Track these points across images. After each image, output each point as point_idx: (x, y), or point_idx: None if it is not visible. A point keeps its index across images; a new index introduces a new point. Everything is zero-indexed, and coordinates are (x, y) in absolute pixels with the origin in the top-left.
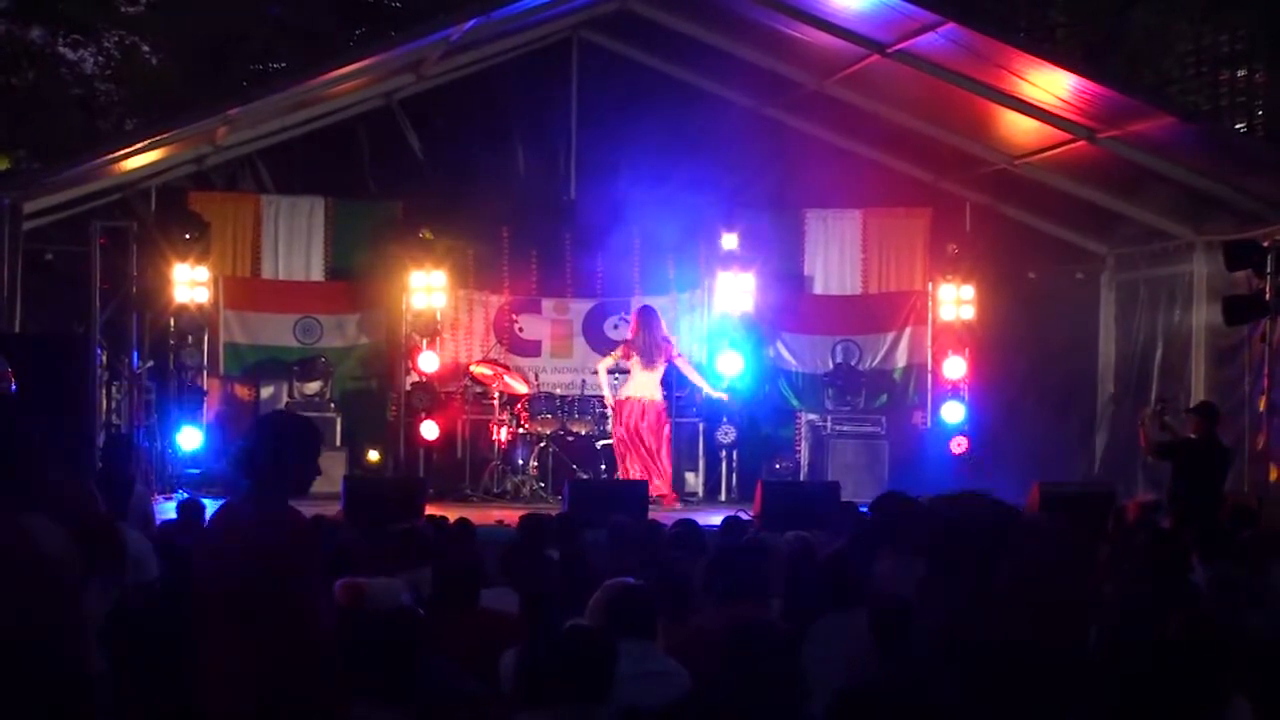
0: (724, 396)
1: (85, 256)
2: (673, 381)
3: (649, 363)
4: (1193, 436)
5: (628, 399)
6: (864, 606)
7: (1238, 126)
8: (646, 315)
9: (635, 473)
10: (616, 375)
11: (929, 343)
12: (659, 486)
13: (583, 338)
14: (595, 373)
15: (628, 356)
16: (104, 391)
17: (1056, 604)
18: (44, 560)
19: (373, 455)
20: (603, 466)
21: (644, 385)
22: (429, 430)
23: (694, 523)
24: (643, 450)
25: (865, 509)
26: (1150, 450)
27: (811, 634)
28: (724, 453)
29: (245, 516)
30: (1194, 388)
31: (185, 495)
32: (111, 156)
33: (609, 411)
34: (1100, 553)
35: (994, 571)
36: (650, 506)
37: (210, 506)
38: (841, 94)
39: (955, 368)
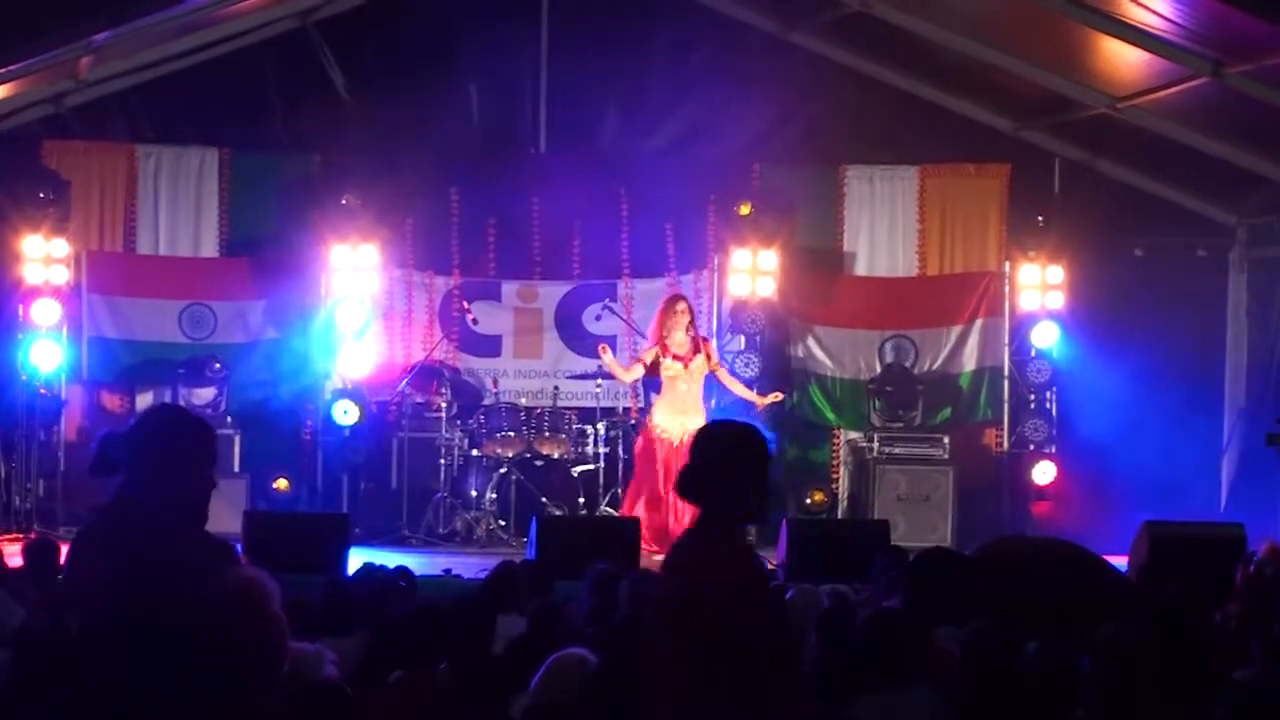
0: (778, 397)
1: None
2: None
3: (689, 368)
4: None
5: (661, 429)
6: (923, 683)
7: None
8: (676, 304)
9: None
10: (601, 382)
11: (1006, 339)
12: None
13: (555, 332)
14: (590, 376)
15: (669, 355)
16: None
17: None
18: None
19: (281, 483)
20: (580, 499)
21: (686, 406)
22: (355, 452)
23: None
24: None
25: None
26: None
27: (854, 717)
28: None
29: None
30: None
31: (35, 535)
32: None
33: (629, 423)
34: (1226, 614)
35: (1071, 649)
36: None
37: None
38: (892, 16)
39: (1040, 371)
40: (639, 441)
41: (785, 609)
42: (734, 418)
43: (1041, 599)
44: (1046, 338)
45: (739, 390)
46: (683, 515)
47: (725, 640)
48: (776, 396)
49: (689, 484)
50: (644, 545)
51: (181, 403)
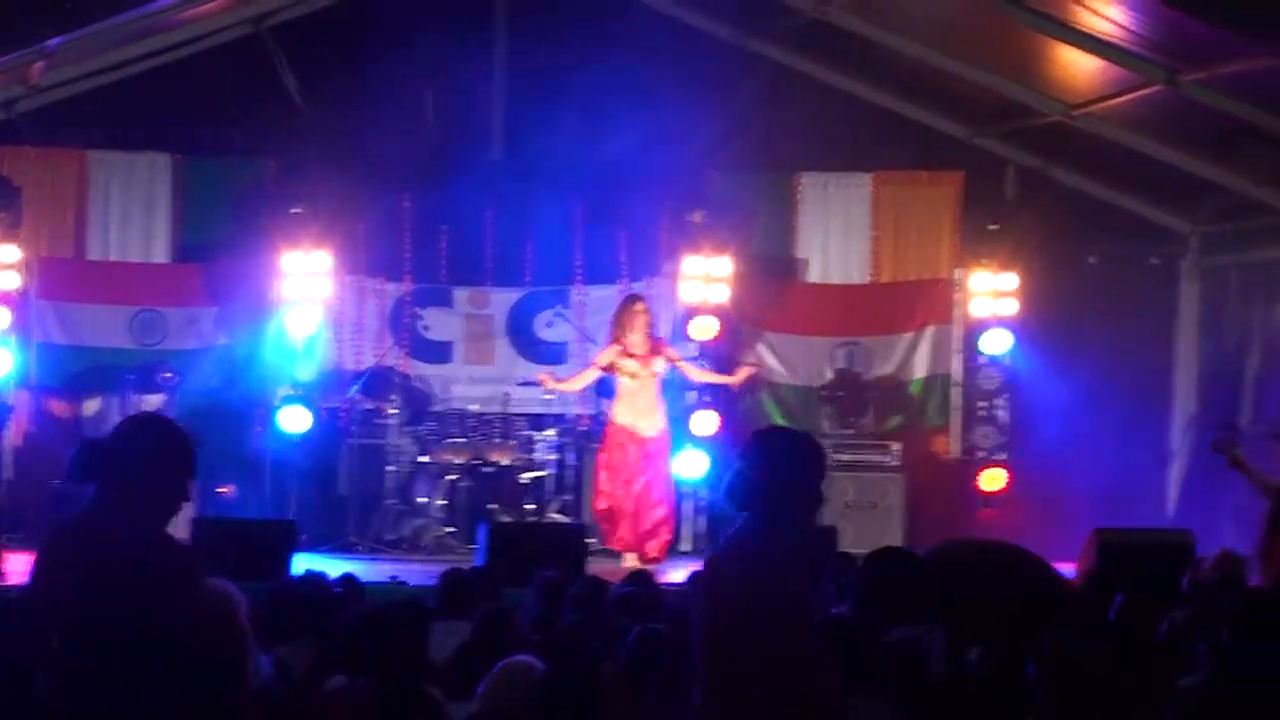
0: (753, 369)
1: None
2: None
3: (647, 369)
4: None
5: (625, 429)
6: (877, 688)
7: None
8: (635, 304)
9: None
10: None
11: (958, 346)
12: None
13: (507, 339)
14: (537, 384)
15: (628, 355)
16: None
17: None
18: None
19: (226, 488)
20: (529, 506)
21: (644, 408)
22: (304, 458)
23: (650, 579)
24: (648, 504)
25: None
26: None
27: None
28: (689, 489)
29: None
30: None
31: None
32: None
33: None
34: (1174, 621)
35: (1017, 656)
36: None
37: (14, 560)
38: (848, 22)
39: (991, 379)
40: (603, 445)
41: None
42: (786, 427)
43: (988, 603)
44: (998, 345)
45: (710, 377)
46: (655, 509)
47: (763, 642)
48: (750, 369)
49: (740, 489)
50: (616, 545)
51: (131, 409)
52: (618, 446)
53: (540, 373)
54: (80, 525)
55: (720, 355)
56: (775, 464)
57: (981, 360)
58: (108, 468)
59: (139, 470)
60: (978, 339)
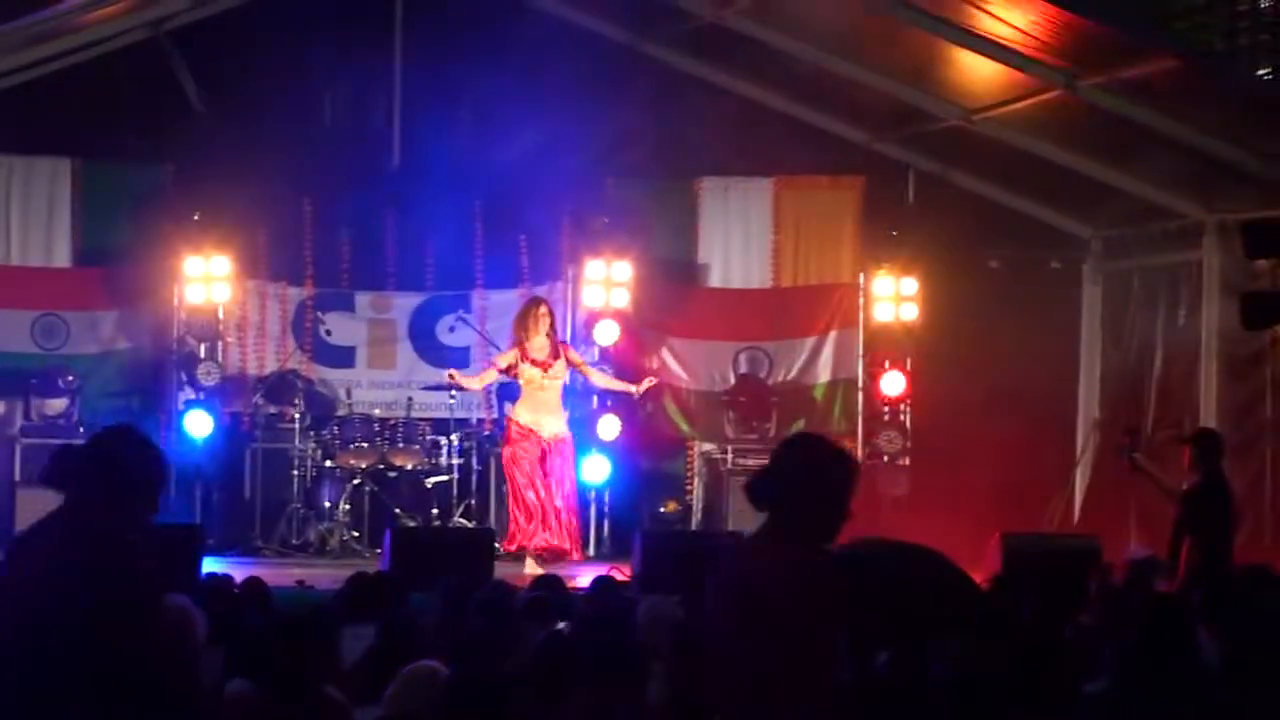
0: (653, 382)
1: None
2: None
3: (549, 372)
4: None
5: (524, 426)
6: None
7: (1261, 73)
8: (538, 307)
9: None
10: (454, 393)
11: (860, 351)
12: (560, 545)
13: (409, 343)
14: (444, 388)
15: (528, 360)
16: None
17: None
18: None
19: None
20: (434, 510)
21: (546, 407)
22: (208, 463)
23: (558, 583)
24: (553, 503)
25: None
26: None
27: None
28: (593, 494)
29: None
30: (1203, 409)
31: None
32: None
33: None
34: (1079, 627)
35: (928, 658)
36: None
37: None
38: (746, 27)
39: (894, 383)
40: (505, 449)
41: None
42: (819, 434)
43: (893, 600)
44: (898, 350)
45: (611, 384)
46: (563, 512)
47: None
48: (652, 381)
49: (765, 490)
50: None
51: (33, 413)
52: (519, 442)
53: (445, 374)
54: (48, 529)
55: (622, 360)
56: (798, 467)
57: (885, 365)
58: (81, 475)
59: (112, 480)
60: (880, 344)
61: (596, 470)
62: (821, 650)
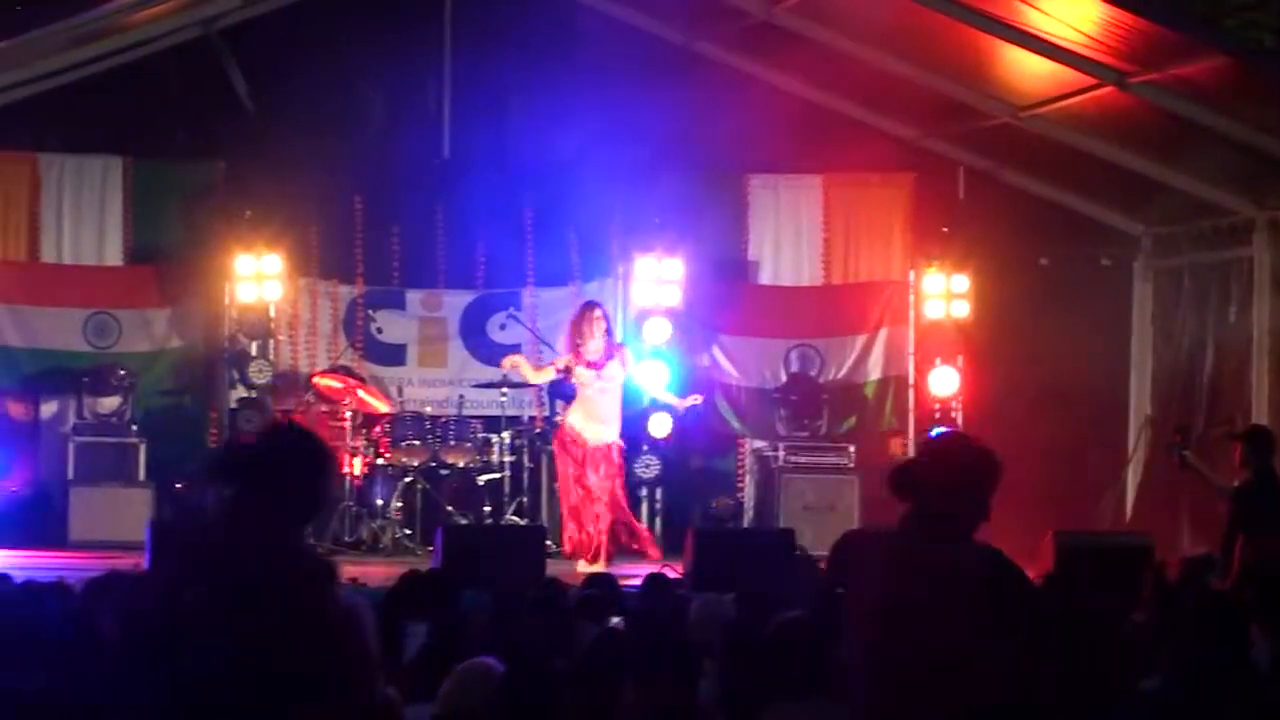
0: (697, 400)
1: None
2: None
3: (602, 374)
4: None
5: (573, 435)
6: (828, 696)
7: None
8: (592, 311)
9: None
10: (506, 391)
11: (911, 349)
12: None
13: (460, 341)
14: (495, 385)
15: (583, 362)
16: None
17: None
18: None
19: (183, 487)
20: (486, 508)
21: (601, 414)
22: None
23: (611, 580)
24: (602, 511)
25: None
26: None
27: None
28: (645, 491)
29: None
30: (1255, 405)
31: None
32: None
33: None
34: (1133, 625)
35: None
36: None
37: None
38: (797, 25)
39: (945, 381)
40: (555, 451)
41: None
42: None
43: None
44: (949, 347)
45: (660, 394)
46: (601, 519)
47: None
48: (696, 399)
49: (908, 481)
50: (570, 553)
51: (86, 412)
52: (561, 447)
53: (497, 372)
54: (215, 525)
55: (673, 358)
56: (951, 464)
57: (935, 362)
58: (249, 472)
59: (281, 477)
60: (931, 341)
61: (660, 426)
62: (967, 648)
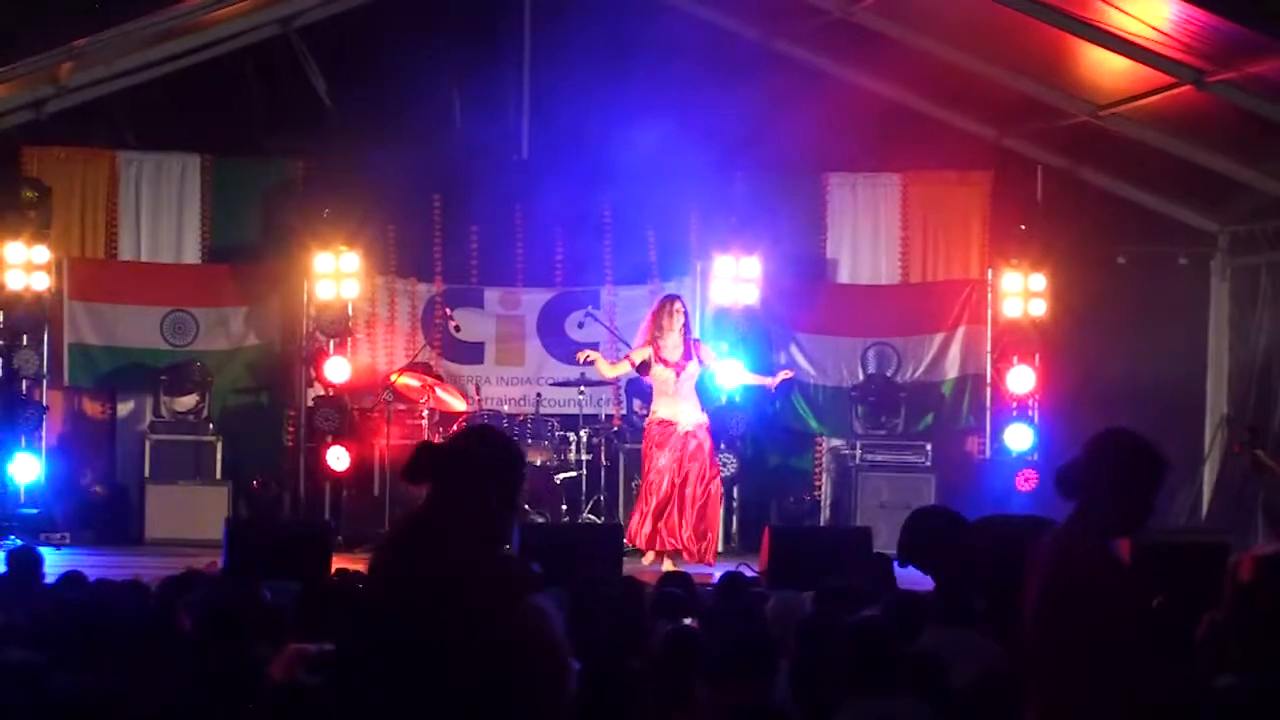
0: (789, 374)
1: None
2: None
3: (681, 375)
4: None
5: (663, 420)
6: (906, 692)
7: None
8: (673, 304)
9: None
10: (584, 389)
11: (989, 347)
12: (699, 550)
13: (538, 339)
14: (573, 384)
15: (661, 360)
16: None
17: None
18: None
19: (263, 489)
20: (563, 506)
21: (683, 403)
22: (338, 459)
23: (688, 579)
24: (689, 505)
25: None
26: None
27: None
28: (723, 489)
29: None
30: None
31: (17, 543)
32: None
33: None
34: (1209, 623)
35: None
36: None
37: (51, 555)
38: (875, 23)
39: (1023, 380)
40: (645, 446)
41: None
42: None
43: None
44: (1027, 346)
45: (746, 378)
46: (696, 507)
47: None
48: (787, 374)
49: (1073, 478)
50: (644, 544)
51: (163, 410)
52: (659, 439)
53: (575, 370)
54: (410, 528)
55: (751, 356)
56: (1117, 461)
57: (1013, 360)
58: (445, 472)
59: (478, 475)
60: (1009, 340)
61: (725, 466)
62: (1122, 643)
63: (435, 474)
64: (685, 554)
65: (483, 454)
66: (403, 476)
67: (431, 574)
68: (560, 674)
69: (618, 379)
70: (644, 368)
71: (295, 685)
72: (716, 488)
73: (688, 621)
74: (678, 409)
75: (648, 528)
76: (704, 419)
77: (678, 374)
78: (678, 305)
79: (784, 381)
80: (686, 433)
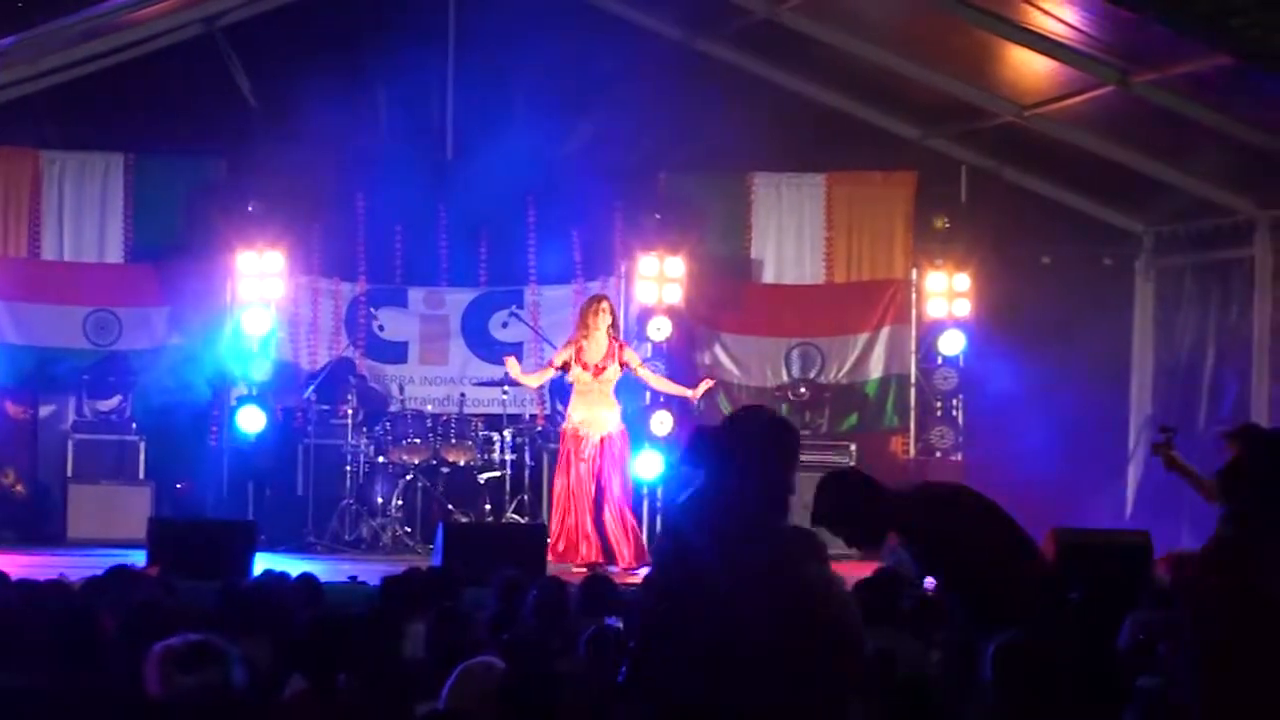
0: (710, 384)
1: None
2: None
3: (600, 377)
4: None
5: (577, 427)
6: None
7: None
8: (599, 303)
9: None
10: (507, 389)
11: (913, 347)
12: (624, 557)
13: (462, 339)
14: (497, 384)
15: (580, 362)
16: None
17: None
18: None
19: (182, 485)
20: (487, 506)
21: (600, 403)
22: (261, 459)
23: (607, 580)
24: (606, 510)
25: None
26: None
27: None
28: (645, 490)
29: None
30: (1255, 406)
31: None
32: None
33: (536, 430)
34: (1134, 621)
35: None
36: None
37: None
38: (800, 24)
39: (946, 380)
40: (561, 449)
41: None
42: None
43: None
44: (953, 345)
45: (668, 387)
46: (605, 516)
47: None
48: (708, 383)
49: (1234, 483)
50: (557, 555)
51: (86, 410)
52: (568, 449)
53: (499, 370)
54: (695, 505)
55: (675, 356)
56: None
57: (937, 361)
58: (721, 454)
59: (754, 457)
60: (933, 340)
61: (649, 466)
62: None
63: (711, 456)
64: (618, 560)
65: (760, 434)
66: (682, 460)
67: (728, 543)
68: (855, 635)
69: (542, 386)
70: (565, 369)
71: (175, 699)
72: (625, 494)
73: (611, 621)
74: (592, 413)
75: (562, 544)
76: (618, 427)
77: (595, 375)
78: (604, 305)
79: (710, 393)
80: (601, 438)
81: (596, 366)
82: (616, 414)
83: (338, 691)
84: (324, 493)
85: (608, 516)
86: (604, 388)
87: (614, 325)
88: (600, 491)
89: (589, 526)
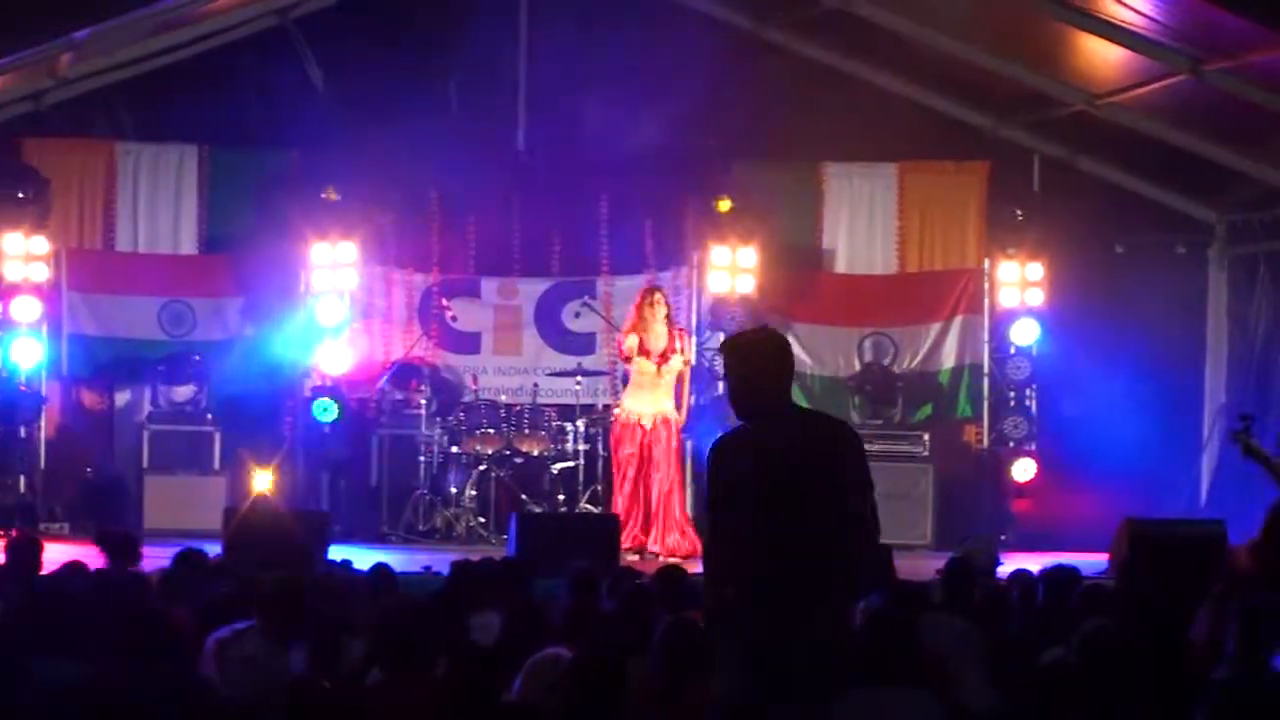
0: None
1: None
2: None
3: (663, 369)
4: None
5: (630, 414)
6: (910, 682)
7: None
8: (651, 295)
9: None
10: (580, 379)
11: (986, 336)
12: (679, 544)
13: (534, 329)
14: (570, 373)
15: (644, 351)
16: None
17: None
18: None
19: (261, 481)
20: (560, 496)
21: (658, 394)
22: (335, 449)
23: (681, 570)
24: (654, 493)
25: None
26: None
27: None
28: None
29: None
30: None
31: (16, 533)
32: None
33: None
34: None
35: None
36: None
37: (49, 547)
38: (871, 12)
39: (1020, 369)
40: (613, 433)
41: None
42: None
43: None
44: (1026, 335)
45: (681, 395)
46: (667, 499)
47: None
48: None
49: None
50: (631, 538)
51: (161, 400)
52: (623, 438)
53: (571, 360)
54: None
55: None
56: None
57: (1010, 350)
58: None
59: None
60: (1006, 329)
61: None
62: None
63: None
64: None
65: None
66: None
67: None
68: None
69: (613, 373)
70: (629, 358)
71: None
72: (678, 481)
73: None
74: (651, 399)
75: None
76: (672, 414)
77: (659, 366)
78: (657, 296)
79: None
80: (647, 434)
81: (660, 355)
82: (673, 405)
83: (414, 679)
84: (398, 483)
85: (668, 509)
86: (666, 378)
87: (670, 315)
88: (648, 473)
89: (652, 520)
